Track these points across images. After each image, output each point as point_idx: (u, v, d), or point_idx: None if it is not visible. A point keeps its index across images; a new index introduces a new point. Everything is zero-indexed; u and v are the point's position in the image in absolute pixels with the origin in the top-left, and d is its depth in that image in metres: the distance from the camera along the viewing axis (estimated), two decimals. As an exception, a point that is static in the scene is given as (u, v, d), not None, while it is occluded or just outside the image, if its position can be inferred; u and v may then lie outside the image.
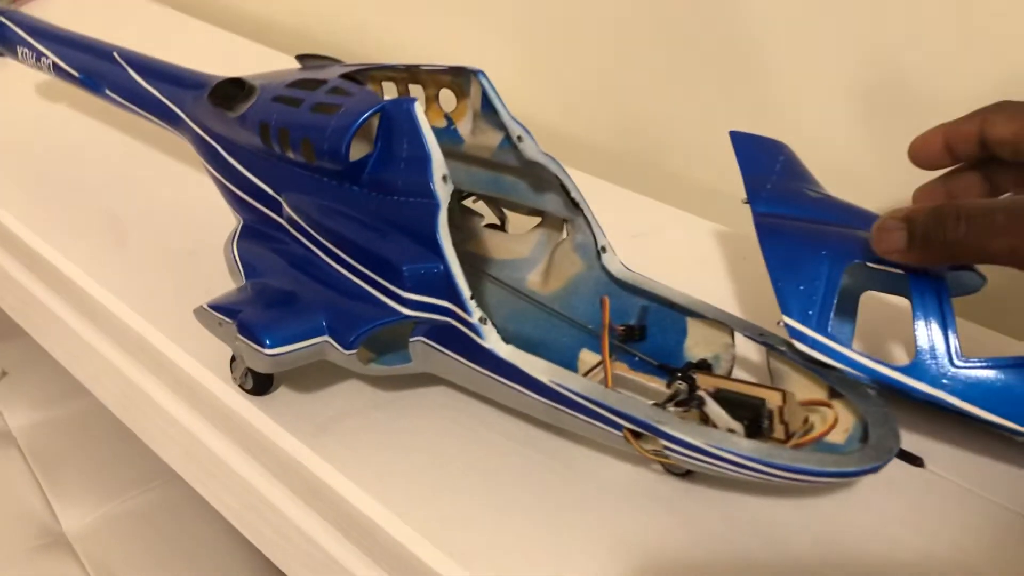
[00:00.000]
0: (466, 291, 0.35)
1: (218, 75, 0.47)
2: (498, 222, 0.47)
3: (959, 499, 0.36)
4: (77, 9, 0.88)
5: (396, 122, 0.37)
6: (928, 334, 0.34)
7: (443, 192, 0.35)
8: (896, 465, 0.34)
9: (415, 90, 0.43)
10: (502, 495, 0.36)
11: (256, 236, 0.43)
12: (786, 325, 0.35)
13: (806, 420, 0.33)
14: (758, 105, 0.58)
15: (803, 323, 0.34)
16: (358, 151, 0.38)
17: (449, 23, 0.74)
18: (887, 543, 0.34)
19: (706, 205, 0.57)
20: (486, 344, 0.34)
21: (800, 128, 0.57)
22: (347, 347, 0.36)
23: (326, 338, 0.37)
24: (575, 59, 0.67)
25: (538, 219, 0.44)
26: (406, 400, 0.40)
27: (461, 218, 0.47)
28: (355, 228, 0.38)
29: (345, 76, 0.41)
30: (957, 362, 0.34)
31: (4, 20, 0.60)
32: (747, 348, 0.41)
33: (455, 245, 0.35)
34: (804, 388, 0.35)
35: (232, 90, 0.44)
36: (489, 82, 0.38)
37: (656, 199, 0.57)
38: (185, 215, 0.54)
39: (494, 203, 0.46)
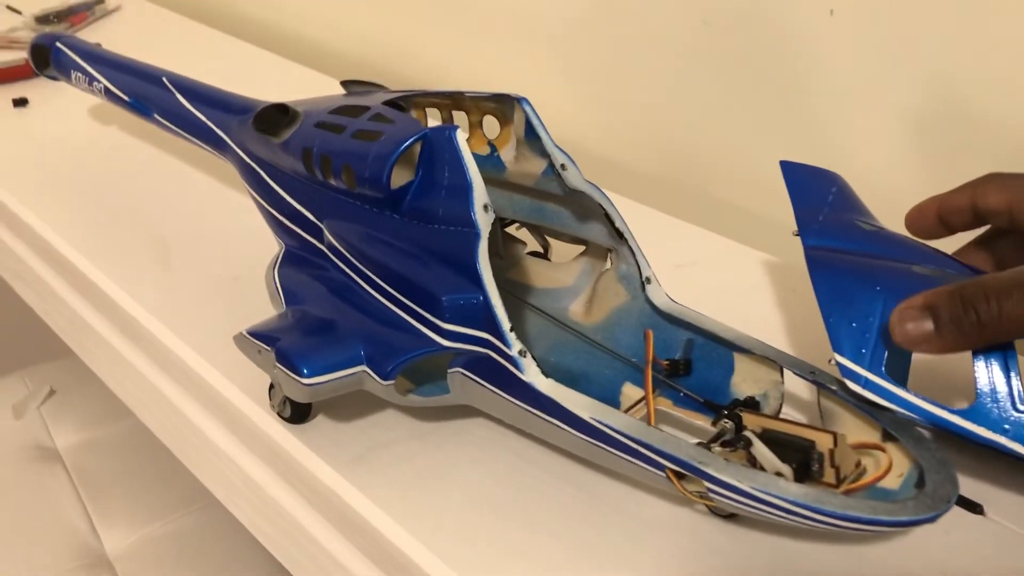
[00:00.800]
0: (506, 323, 0.34)
1: (264, 100, 0.48)
2: (541, 250, 0.46)
3: (1022, 549, 0.34)
4: (133, 33, 0.90)
5: (438, 150, 0.36)
6: (989, 376, 0.32)
7: (484, 222, 0.35)
8: (954, 512, 0.33)
9: (459, 117, 0.42)
10: (541, 532, 0.35)
11: (297, 262, 0.43)
12: (838, 363, 0.33)
13: (858, 464, 0.32)
14: (808, 132, 0.57)
15: (856, 362, 0.33)
16: (399, 179, 0.37)
17: (496, 49, 0.74)
18: (944, 595, 0.32)
19: (754, 234, 0.56)
20: (525, 378, 0.34)
21: (852, 156, 0.55)
22: (384, 377, 0.36)
23: (364, 368, 0.36)
24: (621, 84, 0.66)
25: (582, 247, 0.43)
26: (445, 432, 0.40)
27: (504, 245, 0.46)
28: (395, 256, 0.37)
29: (388, 103, 0.41)
30: (1020, 406, 0.32)
31: (60, 45, 0.61)
32: (797, 386, 0.40)
33: (497, 272, 0.35)
34: (857, 430, 0.33)
35: (276, 116, 0.44)
36: (532, 109, 0.37)
37: (703, 227, 0.56)
38: (231, 241, 0.54)
39: (537, 231, 0.45)
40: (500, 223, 0.45)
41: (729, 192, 0.62)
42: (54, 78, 0.64)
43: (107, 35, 0.87)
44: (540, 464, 0.38)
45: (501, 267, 0.45)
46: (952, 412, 0.32)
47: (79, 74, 0.60)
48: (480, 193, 0.35)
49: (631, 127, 0.67)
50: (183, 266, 0.53)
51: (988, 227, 0.40)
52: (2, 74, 0.77)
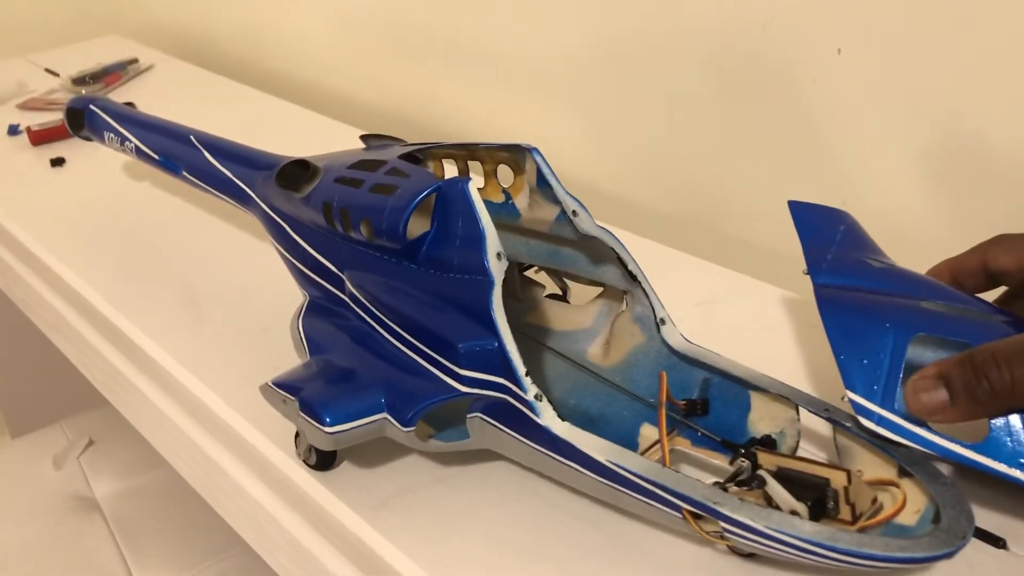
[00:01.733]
0: (521, 368, 0.35)
1: (287, 156, 0.49)
2: (560, 292, 0.47)
3: (1046, 583, 0.34)
4: (165, 91, 0.93)
5: (451, 201, 0.37)
6: None
7: (497, 270, 0.36)
8: (976, 546, 0.33)
9: (474, 167, 0.44)
10: (564, 574, 0.35)
11: (320, 312, 0.44)
12: (851, 400, 0.34)
13: (874, 500, 0.32)
14: (821, 168, 0.57)
15: (868, 398, 0.33)
16: (416, 229, 0.38)
17: (513, 95, 0.76)
18: (967, 630, 0.32)
19: (771, 270, 0.56)
20: (542, 421, 0.34)
21: (865, 193, 0.56)
22: (405, 424, 0.36)
23: (385, 415, 0.37)
24: (635, 125, 0.67)
25: (600, 288, 0.44)
26: (466, 475, 0.40)
27: (522, 288, 0.47)
28: (413, 305, 0.38)
29: (404, 156, 0.42)
30: None
31: (94, 108, 0.64)
32: (814, 423, 0.40)
33: (515, 315, 0.36)
34: (872, 466, 0.34)
35: (297, 171, 0.45)
36: (543, 158, 0.38)
37: (720, 264, 0.56)
38: (259, 292, 0.56)
39: (555, 274, 0.46)
40: (518, 267, 0.46)
41: (745, 229, 0.63)
42: (88, 139, 0.67)
43: (141, 94, 0.90)
44: (561, 506, 0.38)
45: (519, 310, 0.46)
46: (966, 447, 0.32)
47: (111, 135, 0.62)
48: (493, 242, 0.36)
49: (646, 166, 0.68)
50: (213, 318, 0.54)
51: (1003, 288, 0.40)
52: (41, 135, 0.80)
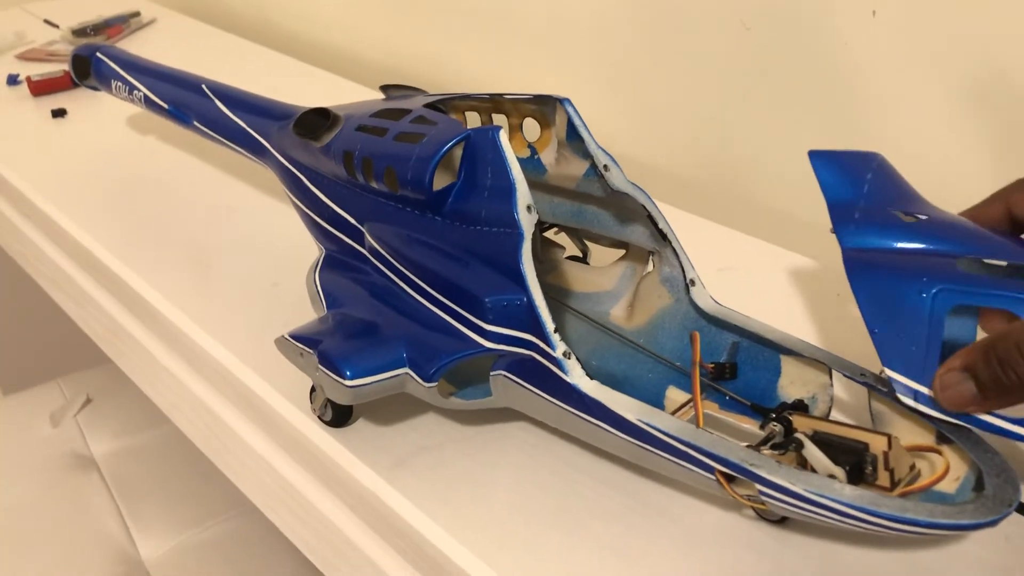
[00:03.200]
0: (550, 324, 0.34)
1: (303, 106, 0.48)
2: (580, 254, 0.46)
3: (1082, 557, 0.33)
4: (168, 45, 0.91)
5: (480, 151, 0.36)
6: None
7: (527, 222, 0.35)
8: (1015, 520, 0.32)
9: (499, 119, 0.42)
10: (586, 538, 0.34)
11: (338, 266, 0.43)
12: (889, 379, 0.32)
13: (913, 467, 0.31)
14: (851, 133, 0.56)
15: (907, 375, 0.31)
16: (441, 181, 0.37)
17: (532, 55, 0.74)
18: (1003, 603, 0.32)
19: (797, 237, 0.55)
20: (570, 379, 0.33)
21: (900, 145, 0.54)
22: (427, 380, 0.35)
23: (406, 371, 0.36)
24: (659, 89, 0.66)
25: (621, 252, 0.43)
26: (487, 436, 0.39)
27: (543, 250, 0.46)
28: (437, 258, 0.37)
29: (429, 106, 0.41)
30: None
31: (100, 56, 0.62)
32: (846, 388, 0.39)
33: (538, 276, 0.34)
34: (910, 433, 0.33)
35: (317, 120, 0.44)
36: (575, 110, 0.37)
37: (743, 231, 0.55)
38: (269, 247, 0.54)
39: (576, 235, 0.45)
40: (540, 227, 0.45)
41: (770, 196, 0.62)
42: (94, 88, 0.65)
43: (143, 47, 0.88)
44: (583, 469, 0.37)
45: (539, 271, 0.45)
46: (1013, 422, 0.31)
47: (119, 83, 0.60)
48: (524, 194, 0.35)
49: (669, 131, 0.66)
50: (222, 272, 0.53)
51: None
52: (41, 86, 0.78)
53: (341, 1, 0.91)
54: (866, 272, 0.33)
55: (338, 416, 0.40)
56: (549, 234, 0.46)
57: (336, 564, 0.42)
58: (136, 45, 0.91)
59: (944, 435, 0.31)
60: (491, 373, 0.36)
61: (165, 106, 0.57)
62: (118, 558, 0.69)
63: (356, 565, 0.40)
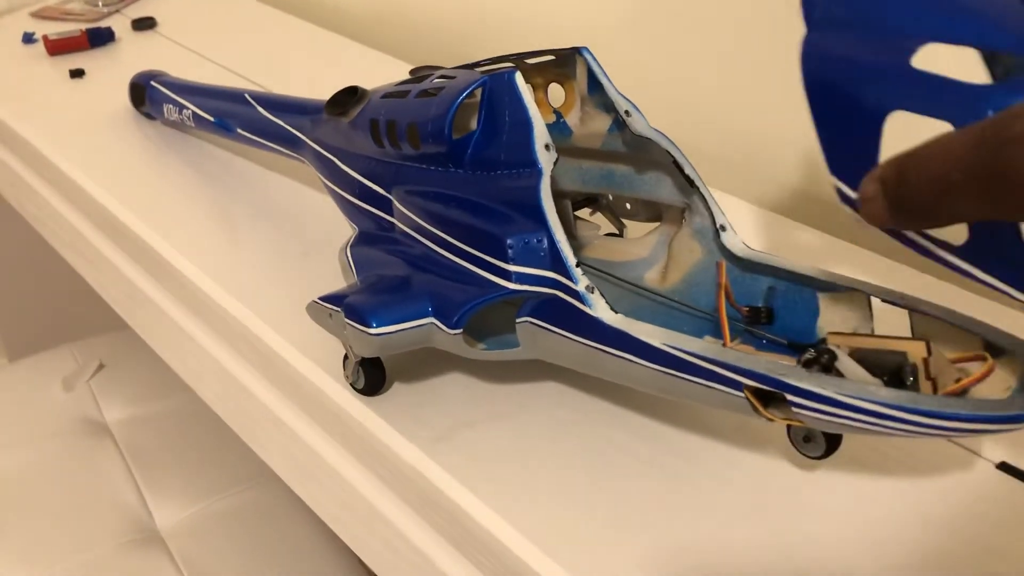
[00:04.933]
0: (571, 259, 0.33)
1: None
2: (617, 231, 0.45)
3: None
4: (186, 6, 0.89)
5: (498, 95, 0.36)
6: None
7: (546, 159, 0.35)
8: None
9: None
10: (625, 515, 0.34)
11: (370, 241, 0.43)
12: (835, 187, 0.28)
13: (958, 379, 0.30)
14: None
15: (851, 185, 0.28)
16: (462, 131, 0.37)
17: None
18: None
19: (813, 212, 0.54)
20: (594, 313, 0.33)
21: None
22: (452, 327, 0.35)
23: (432, 320, 0.36)
24: (677, 61, 0.65)
25: (656, 224, 0.42)
26: (529, 413, 0.39)
27: (576, 228, 0.45)
28: (460, 210, 0.37)
29: (451, 68, 0.41)
30: None
31: (155, 84, 0.63)
32: (888, 318, 0.38)
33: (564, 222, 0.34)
34: (955, 347, 0.31)
35: (346, 97, 0.45)
36: (593, 57, 0.37)
37: (769, 209, 0.54)
38: (300, 218, 0.54)
39: (611, 211, 0.44)
40: (572, 203, 0.44)
41: (784, 173, 0.61)
42: (148, 115, 0.66)
43: (160, 10, 0.87)
44: (626, 448, 0.37)
45: (574, 247, 0.44)
46: (939, 245, 0.27)
47: (170, 106, 0.62)
48: (541, 132, 0.35)
49: (687, 105, 0.65)
50: (250, 240, 0.52)
51: None
52: (59, 45, 0.77)
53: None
54: (818, 65, 0.29)
55: (371, 383, 0.39)
56: (584, 213, 0.45)
57: (366, 540, 0.41)
58: (153, 6, 0.89)
59: (993, 345, 0.30)
60: (516, 321, 0.36)
61: (211, 119, 0.57)
62: (133, 526, 0.69)
63: (388, 541, 0.39)
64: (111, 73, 0.73)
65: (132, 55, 0.77)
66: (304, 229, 0.52)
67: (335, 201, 0.47)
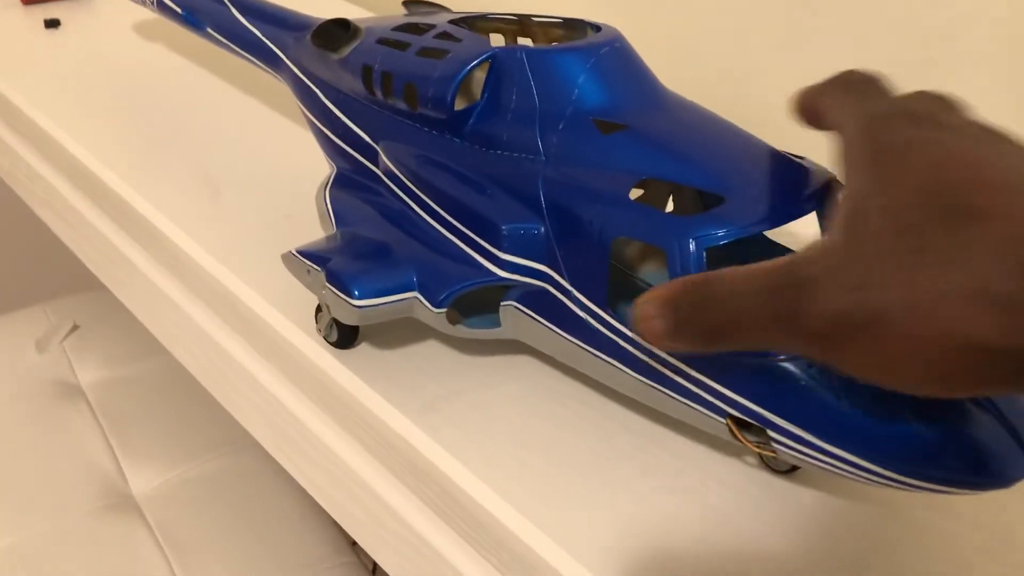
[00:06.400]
0: None
1: (321, 18, 0.45)
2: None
3: None
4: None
5: (506, 71, 0.35)
6: None
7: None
8: None
9: (524, 43, 0.40)
10: (616, 485, 0.33)
11: (350, 185, 0.41)
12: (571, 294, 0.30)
13: None
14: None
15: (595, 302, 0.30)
16: (462, 102, 0.36)
17: None
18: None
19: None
20: (582, 314, 0.32)
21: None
22: (436, 305, 0.35)
23: (416, 294, 0.35)
24: (680, 23, 0.64)
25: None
26: (520, 384, 0.38)
27: None
28: (454, 182, 0.36)
29: (454, 23, 0.39)
30: None
31: None
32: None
33: None
34: None
35: (336, 31, 0.43)
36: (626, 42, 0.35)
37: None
38: (284, 177, 0.52)
39: None
40: None
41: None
42: None
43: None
44: (619, 420, 0.36)
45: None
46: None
47: None
48: (548, 118, 0.33)
49: (683, 67, 0.64)
50: (231, 199, 0.50)
51: None
52: (33, -7, 0.74)
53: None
54: (556, 192, 0.32)
55: (343, 337, 0.38)
56: None
57: (350, 508, 0.40)
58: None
59: None
60: (501, 303, 0.35)
61: (178, 10, 0.54)
62: (107, 491, 0.68)
63: (371, 510, 0.38)
64: (88, 23, 0.71)
65: (111, 4, 0.75)
66: (289, 189, 0.50)
67: (313, 133, 0.45)
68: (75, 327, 0.82)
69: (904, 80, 0.28)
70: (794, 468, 0.33)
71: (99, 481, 0.68)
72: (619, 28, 0.36)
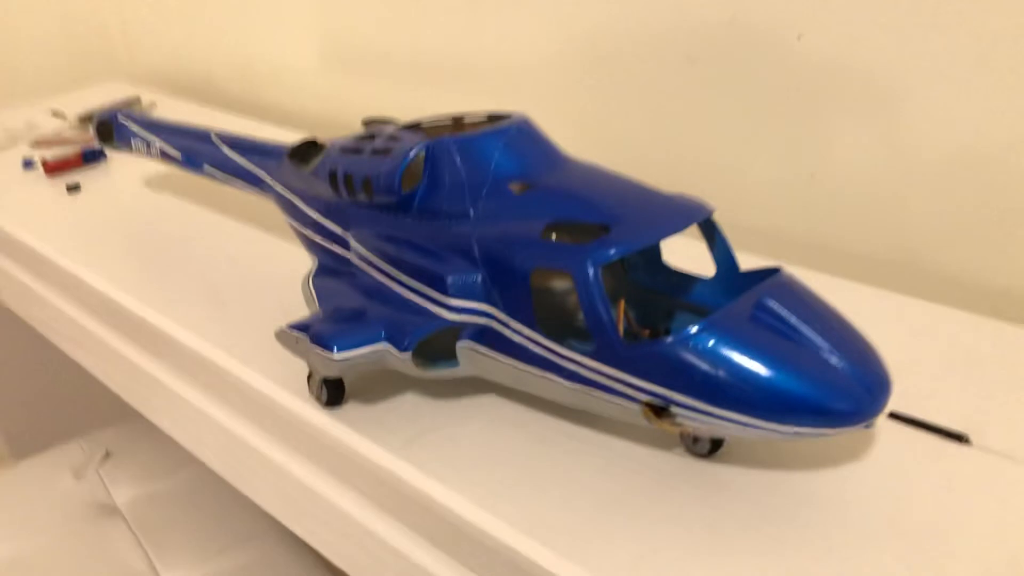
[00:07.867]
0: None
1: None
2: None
3: (1007, 477, 0.38)
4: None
5: (439, 157, 0.43)
6: None
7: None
8: (941, 443, 0.37)
9: None
10: (567, 479, 0.39)
11: (329, 272, 0.49)
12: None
13: None
14: (799, 149, 0.62)
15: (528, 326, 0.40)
16: (410, 184, 0.44)
17: (492, 100, 0.80)
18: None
19: (766, 249, 0.60)
20: (517, 340, 0.40)
21: (834, 170, 0.59)
22: (402, 350, 0.42)
23: (385, 344, 0.42)
24: (610, 125, 0.72)
25: None
26: (498, 415, 0.45)
27: None
28: (409, 250, 0.44)
29: (401, 128, 0.48)
30: None
31: (121, 119, 0.70)
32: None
33: None
34: None
35: (307, 148, 0.52)
36: (532, 123, 0.44)
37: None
38: (278, 285, 0.60)
39: None
40: None
41: (730, 214, 0.67)
42: (117, 148, 0.72)
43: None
44: (583, 439, 0.42)
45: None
46: None
47: (138, 141, 0.68)
48: (474, 188, 0.42)
49: (625, 165, 0.72)
50: (236, 306, 0.58)
51: None
52: (56, 166, 0.84)
53: (322, 73, 0.98)
54: (488, 244, 0.41)
55: (332, 397, 0.46)
56: None
57: (363, 562, 0.45)
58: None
59: None
60: (457, 345, 0.42)
61: (178, 156, 0.64)
62: (145, 595, 0.72)
63: (381, 559, 0.44)
64: (104, 184, 0.80)
65: (123, 169, 0.85)
66: (283, 294, 0.58)
67: (297, 236, 0.53)
68: (108, 454, 0.88)
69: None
70: (713, 450, 0.40)
71: (137, 586, 0.73)
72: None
